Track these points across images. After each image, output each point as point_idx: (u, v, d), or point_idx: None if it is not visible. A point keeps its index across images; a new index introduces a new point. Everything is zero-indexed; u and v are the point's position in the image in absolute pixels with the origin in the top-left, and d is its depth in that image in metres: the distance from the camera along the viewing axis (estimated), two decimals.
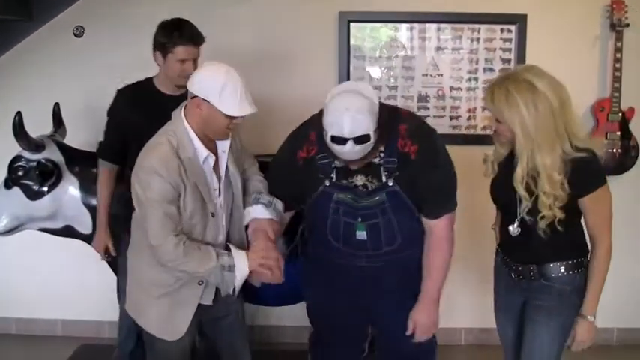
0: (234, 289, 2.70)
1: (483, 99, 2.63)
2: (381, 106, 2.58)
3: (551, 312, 2.66)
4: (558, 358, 2.74)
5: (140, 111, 3.25)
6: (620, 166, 4.27)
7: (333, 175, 2.70)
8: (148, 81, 3.38)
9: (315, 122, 2.62)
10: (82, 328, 4.67)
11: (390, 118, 2.61)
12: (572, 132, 2.51)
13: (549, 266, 2.64)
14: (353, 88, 2.54)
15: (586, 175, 2.51)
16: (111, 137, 3.38)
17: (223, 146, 2.77)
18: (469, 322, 4.51)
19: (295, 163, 2.76)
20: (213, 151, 2.72)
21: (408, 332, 2.83)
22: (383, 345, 3.04)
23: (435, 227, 2.74)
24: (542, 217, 2.52)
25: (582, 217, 2.64)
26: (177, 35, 3.15)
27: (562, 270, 2.63)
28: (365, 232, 2.73)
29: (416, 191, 2.67)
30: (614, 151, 4.24)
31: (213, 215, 2.72)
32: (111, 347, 4.03)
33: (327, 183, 2.71)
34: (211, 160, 2.71)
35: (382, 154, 2.64)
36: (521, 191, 2.53)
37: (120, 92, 3.36)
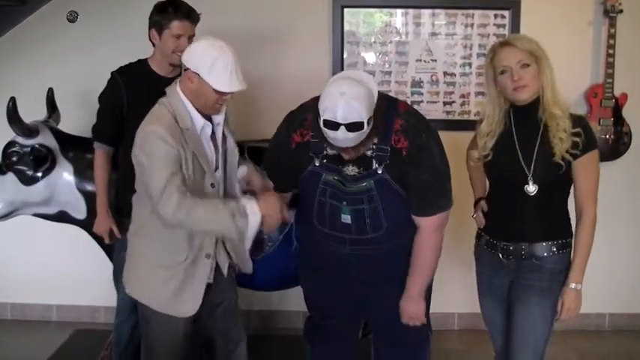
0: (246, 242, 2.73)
1: (513, 43, 2.70)
2: (381, 97, 2.55)
3: (543, 291, 2.71)
4: (548, 338, 2.78)
5: (134, 92, 3.28)
6: (614, 152, 4.30)
7: (325, 160, 2.69)
8: (142, 62, 3.38)
9: (313, 106, 2.57)
10: (77, 314, 4.69)
11: (387, 111, 2.59)
12: None
13: (542, 245, 2.70)
14: (352, 76, 2.52)
15: (585, 135, 2.62)
16: (105, 119, 3.37)
17: (217, 119, 2.78)
18: (462, 307, 4.53)
19: (289, 147, 2.75)
20: (209, 121, 2.75)
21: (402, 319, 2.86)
22: (376, 333, 3.05)
23: (422, 224, 2.73)
24: (562, 140, 2.62)
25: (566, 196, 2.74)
26: (172, 11, 3.20)
27: (553, 249, 2.70)
28: (349, 217, 2.71)
29: (406, 186, 2.66)
30: (607, 137, 4.26)
31: (213, 186, 2.73)
32: (106, 332, 4.03)
33: (317, 163, 2.70)
34: (208, 129, 2.73)
35: (374, 147, 2.61)
36: (557, 110, 2.63)
37: (114, 74, 3.36)
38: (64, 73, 4.33)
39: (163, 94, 2.76)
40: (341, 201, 2.70)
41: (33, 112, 3.68)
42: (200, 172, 2.68)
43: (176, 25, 3.20)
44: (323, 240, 2.83)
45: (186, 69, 2.63)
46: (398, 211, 2.72)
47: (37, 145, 3.53)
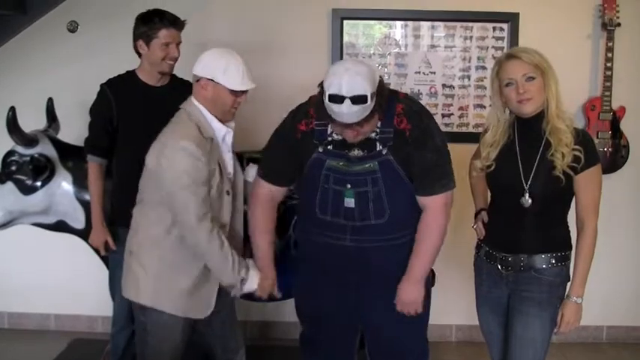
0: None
1: (521, 54, 2.72)
2: (383, 82, 2.64)
3: (542, 304, 2.71)
4: (547, 349, 2.78)
5: (124, 103, 3.32)
6: (611, 165, 4.31)
7: (330, 147, 2.76)
8: (131, 74, 3.42)
9: (314, 100, 2.71)
10: (74, 323, 4.69)
11: (389, 96, 2.70)
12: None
13: (541, 257, 2.71)
14: (354, 59, 2.62)
15: (587, 149, 2.63)
16: (98, 132, 3.39)
17: (231, 126, 2.89)
18: (460, 319, 4.53)
19: (295, 137, 2.82)
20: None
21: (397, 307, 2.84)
22: (373, 347, 3.03)
23: (427, 204, 2.77)
24: (562, 154, 2.62)
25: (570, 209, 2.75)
26: (158, 20, 3.27)
27: (552, 262, 2.70)
28: (353, 200, 2.74)
29: (410, 169, 2.72)
30: (605, 149, 4.27)
31: (228, 193, 2.82)
32: (103, 342, 4.03)
33: (321, 149, 2.77)
34: (229, 137, 2.86)
35: (378, 130, 2.71)
36: (561, 124, 2.64)
37: (103, 87, 3.40)
38: (64, 82, 4.34)
39: (154, 103, 2.82)
40: (345, 184, 2.75)
41: (33, 121, 3.70)
42: (220, 180, 2.76)
43: (164, 34, 3.26)
44: (324, 232, 2.83)
45: (199, 79, 2.77)
46: (401, 199, 2.76)
47: (36, 155, 3.54)
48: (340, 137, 2.73)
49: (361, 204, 2.74)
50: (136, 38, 3.32)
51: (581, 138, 2.65)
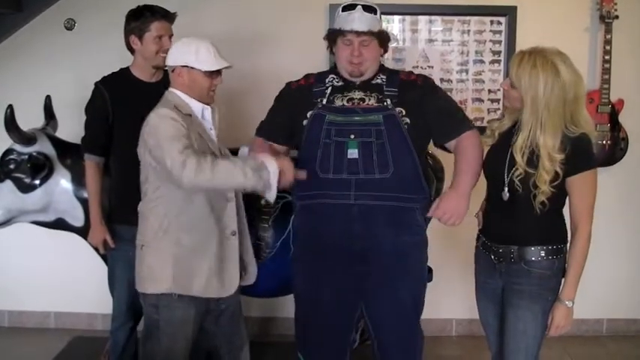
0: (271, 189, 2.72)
1: (510, 65, 2.67)
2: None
3: (533, 296, 2.68)
4: (541, 342, 2.76)
5: (119, 100, 3.32)
6: (610, 157, 4.31)
7: (327, 92, 2.89)
8: (125, 70, 3.43)
9: (316, 73, 3.00)
10: (74, 321, 4.69)
11: (391, 71, 3.00)
12: (580, 124, 2.59)
13: (530, 250, 2.67)
14: None
15: (580, 153, 2.57)
16: (94, 129, 3.38)
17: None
18: (460, 313, 4.53)
19: (290, 91, 3.00)
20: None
21: (430, 213, 2.87)
22: (374, 332, 3.01)
23: (459, 141, 2.89)
24: (541, 192, 2.57)
25: (565, 205, 2.71)
26: (149, 14, 3.29)
27: (542, 254, 2.67)
28: (357, 151, 2.80)
29: (426, 119, 2.85)
30: (604, 142, 4.27)
31: None
32: (104, 339, 4.03)
33: (320, 105, 2.87)
34: (207, 113, 2.88)
35: (384, 80, 2.88)
36: (518, 158, 2.59)
37: (97, 85, 3.39)
38: (62, 80, 4.34)
39: (149, 99, 2.83)
40: (348, 135, 2.82)
41: (31, 119, 3.69)
42: (208, 153, 2.76)
43: (156, 27, 3.28)
44: (327, 192, 2.85)
45: (173, 69, 2.82)
46: (405, 161, 2.83)
47: (34, 153, 3.53)
48: (340, 83, 2.88)
49: (365, 155, 2.80)
50: (128, 34, 3.32)
51: (574, 144, 2.56)
